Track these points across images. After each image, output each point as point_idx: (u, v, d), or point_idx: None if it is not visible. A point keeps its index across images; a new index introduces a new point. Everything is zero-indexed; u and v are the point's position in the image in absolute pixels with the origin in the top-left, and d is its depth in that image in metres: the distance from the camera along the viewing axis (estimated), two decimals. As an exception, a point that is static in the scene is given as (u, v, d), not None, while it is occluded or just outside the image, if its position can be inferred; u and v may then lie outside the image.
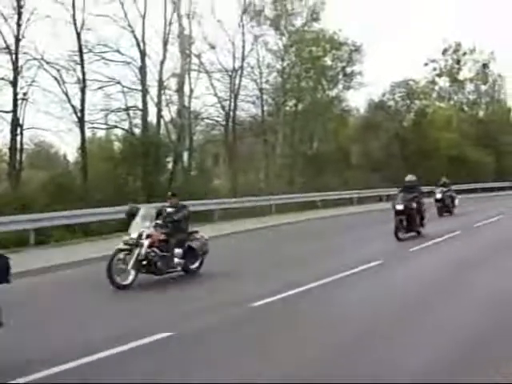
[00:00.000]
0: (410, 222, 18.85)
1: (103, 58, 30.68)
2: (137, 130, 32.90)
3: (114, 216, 23.43)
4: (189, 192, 29.87)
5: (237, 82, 38.39)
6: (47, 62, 28.75)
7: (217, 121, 39.85)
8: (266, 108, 42.15)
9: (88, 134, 32.76)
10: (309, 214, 30.35)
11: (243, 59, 38.44)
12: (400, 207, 18.72)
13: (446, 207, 27.77)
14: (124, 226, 23.80)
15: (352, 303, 9.91)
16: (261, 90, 40.77)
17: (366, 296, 10.49)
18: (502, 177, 54.41)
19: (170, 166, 33.07)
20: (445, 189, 28.17)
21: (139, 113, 32.30)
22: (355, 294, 10.65)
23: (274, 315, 9.27)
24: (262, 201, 32.40)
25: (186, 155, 35.30)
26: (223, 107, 38.66)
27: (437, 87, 59.26)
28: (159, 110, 33.00)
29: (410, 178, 20.53)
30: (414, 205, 19.04)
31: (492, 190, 50.79)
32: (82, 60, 29.25)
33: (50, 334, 8.51)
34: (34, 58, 28.31)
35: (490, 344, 7.27)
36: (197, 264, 13.44)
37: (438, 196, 27.66)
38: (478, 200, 38.76)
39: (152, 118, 33.13)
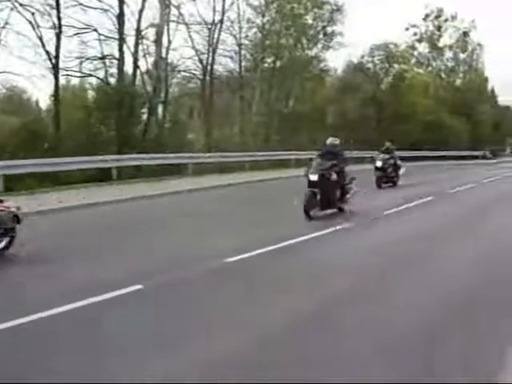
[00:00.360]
0: (325, 197, 15.02)
1: (80, 4, 29.91)
2: (112, 80, 32.33)
3: (84, 166, 23.25)
4: (162, 144, 29.78)
5: (216, 35, 37.94)
6: (21, 4, 28.04)
7: (194, 74, 39.40)
8: (243, 63, 41.85)
9: (62, 81, 32.16)
10: (282, 173, 30.28)
11: (223, 13, 37.97)
12: (314, 177, 14.98)
13: (386, 177, 23.55)
14: (95, 176, 23.89)
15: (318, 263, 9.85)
16: (240, 45, 40.38)
17: (333, 257, 10.44)
18: (476, 145, 54.94)
19: (144, 117, 32.69)
20: (387, 155, 23.91)
21: (115, 62, 31.69)
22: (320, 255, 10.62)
23: (249, 270, 9.21)
24: (236, 157, 32.25)
25: (160, 107, 34.86)
26: (201, 60, 38.22)
27: (416, 52, 59.29)
28: (136, 60, 32.40)
29: (331, 141, 16.44)
30: (334, 175, 15.20)
31: (465, 157, 51.18)
32: (57, 4, 28.49)
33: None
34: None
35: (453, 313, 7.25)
36: (3, 243, 10.04)
37: (379, 164, 23.33)
38: (450, 167, 38.89)
39: (128, 68, 32.56)
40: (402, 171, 24.33)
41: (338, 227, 13.07)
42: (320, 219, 14.36)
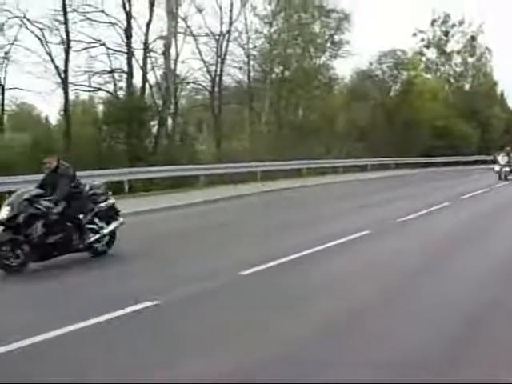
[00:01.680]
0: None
1: (88, 19, 30.04)
2: (121, 93, 32.34)
3: (96, 180, 23.03)
4: (173, 156, 29.64)
5: (224, 46, 37.90)
6: (29, 21, 28.18)
7: (202, 86, 39.32)
8: (252, 74, 41.70)
9: (71, 96, 32.23)
10: (295, 182, 30.10)
11: (231, 23, 37.94)
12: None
13: (33, 245, 9.96)
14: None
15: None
16: (248, 55, 40.29)
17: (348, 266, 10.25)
18: (485, 150, 54.66)
19: (154, 129, 32.60)
20: (33, 192, 10.39)
21: (124, 75, 31.72)
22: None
23: (264, 283, 9.00)
24: (247, 167, 32.05)
25: (170, 120, 34.76)
26: (209, 72, 38.12)
27: (424, 58, 59.11)
28: (144, 73, 32.39)
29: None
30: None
31: (476, 162, 50.97)
32: (65, 20, 28.66)
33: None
34: (16, 16, 27.79)
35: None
36: None
37: (4, 213, 10.06)
38: (459, 172, 38.56)
39: (137, 81, 32.57)
40: (113, 226, 11.30)
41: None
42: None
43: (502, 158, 32.43)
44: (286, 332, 6.48)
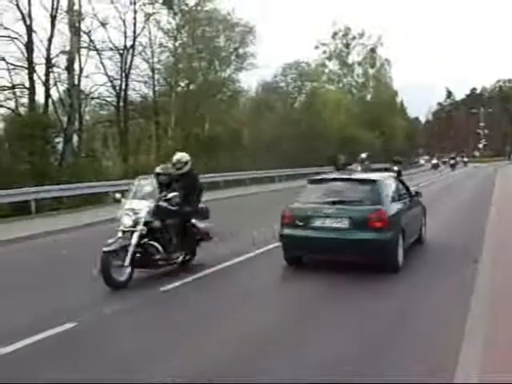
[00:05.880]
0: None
1: (-16, 32, 28.99)
2: (23, 110, 31.30)
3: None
4: (80, 174, 28.91)
5: (128, 60, 37.44)
6: None
7: (108, 101, 38.69)
8: (157, 88, 41.40)
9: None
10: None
11: (134, 38, 37.52)
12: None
13: None
14: (10, 210, 22.83)
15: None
16: (153, 69, 39.96)
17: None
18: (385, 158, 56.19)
19: (59, 147, 31.72)
20: None
21: (26, 91, 30.75)
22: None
23: (188, 297, 8.99)
24: (155, 183, 31.65)
25: (75, 136, 33.93)
26: (114, 87, 37.57)
27: (327, 70, 60.48)
28: (47, 89, 31.47)
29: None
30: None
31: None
32: (-38, 33, 27.58)
33: None
34: None
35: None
36: None
37: None
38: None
39: (40, 97, 31.65)
40: None
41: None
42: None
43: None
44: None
